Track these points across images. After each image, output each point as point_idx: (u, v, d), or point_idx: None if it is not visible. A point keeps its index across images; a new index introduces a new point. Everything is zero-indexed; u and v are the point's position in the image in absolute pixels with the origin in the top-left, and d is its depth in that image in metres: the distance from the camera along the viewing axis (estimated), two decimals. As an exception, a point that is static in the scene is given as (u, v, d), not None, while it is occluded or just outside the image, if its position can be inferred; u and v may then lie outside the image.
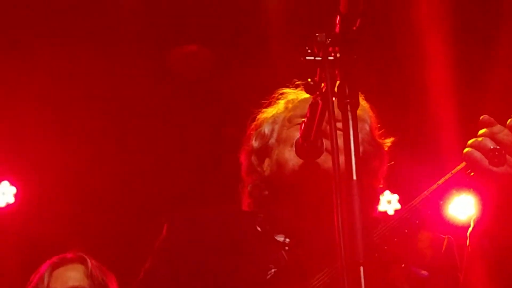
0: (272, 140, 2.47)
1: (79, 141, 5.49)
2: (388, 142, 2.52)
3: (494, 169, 2.11)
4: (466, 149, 2.17)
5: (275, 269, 2.27)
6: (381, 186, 2.51)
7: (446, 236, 2.38)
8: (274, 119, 2.51)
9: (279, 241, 2.34)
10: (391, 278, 2.17)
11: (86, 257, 3.58)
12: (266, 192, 2.43)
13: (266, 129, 2.50)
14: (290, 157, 2.33)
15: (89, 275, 3.51)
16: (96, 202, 5.57)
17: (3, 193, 5.56)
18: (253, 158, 2.49)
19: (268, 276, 2.26)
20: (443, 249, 2.34)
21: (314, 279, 2.15)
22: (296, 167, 2.30)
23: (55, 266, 3.53)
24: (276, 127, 2.48)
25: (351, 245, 1.56)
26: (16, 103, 5.32)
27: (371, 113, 2.50)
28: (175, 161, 5.59)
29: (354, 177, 1.61)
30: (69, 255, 3.60)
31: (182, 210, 2.52)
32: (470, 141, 2.16)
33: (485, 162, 2.11)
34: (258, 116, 2.57)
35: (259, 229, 2.39)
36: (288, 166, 2.33)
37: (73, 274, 3.50)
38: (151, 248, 2.44)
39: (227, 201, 2.70)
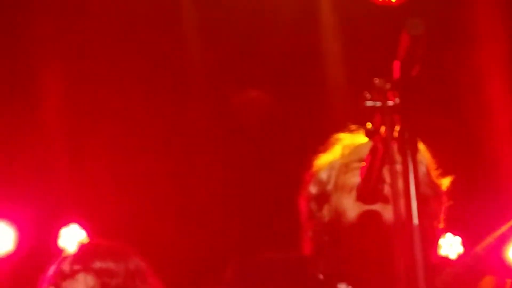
0: (330, 187, 2.48)
1: (144, 185, 5.54)
2: (446, 182, 2.50)
3: None
4: None
5: None
6: (442, 227, 2.49)
7: (509, 280, 2.34)
8: (331, 165, 2.52)
9: None
10: None
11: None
12: (327, 238, 2.44)
13: (324, 175, 2.51)
14: (349, 205, 2.34)
15: None
16: (168, 244, 5.58)
17: (72, 238, 5.40)
18: (312, 204, 2.50)
19: None
20: None
21: None
22: (355, 216, 2.31)
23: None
24: (333, 173, 2.49)
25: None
26: (88, 147, 5.41)
27: (427, 154, 2.49)
28: (235, 205, 5.61)
29: (415, 222, 1.61)
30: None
31: (245, 255, 2.54)
32: None
33: None
34: (315, 162, 2.59)
35: (321, 277, 2.40)
36: (347, 215, 2.34)
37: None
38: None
39: (288, 246, 2.70)
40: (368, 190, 2.11)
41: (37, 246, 5.41)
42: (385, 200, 2.16)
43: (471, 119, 4.99)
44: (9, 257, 5.44)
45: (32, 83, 5.40)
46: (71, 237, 5.44)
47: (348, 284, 2.35)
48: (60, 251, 5.23)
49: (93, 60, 5.37)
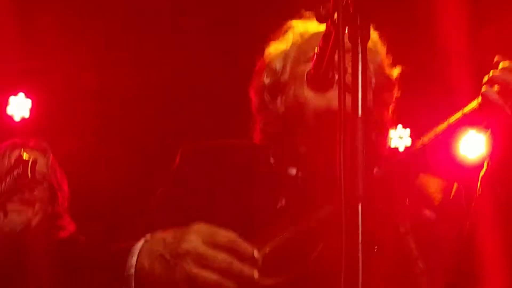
0: (285, 76, 2.43)
1: (99, 56, 5.46)
2: (397, 71, 2.49)
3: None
4: (484, 89, 2.10)
5: (286, 200, 2.28)
6: (392, 116, 2.50)
7: (456, 183, 2.36)
8: (285, 54, 2.46)
9: (291, 175, 2.35)
10: (393, 213, 2.17)
11: (49, 149, 3.55)
12: (280, 129, 2.42)
13: (277, 65, 2.46)
14: (310, 95, 2.31)
15: (50, 167, 3.49)
16: (112, 120, 5.56)
17: (19, 106, 5.54)
18: (265, 95, 2.46)
19: (278, 206, 2.27)
20: (452, 195, 2.32)
21: (320, 211, 2.15)
22: (317, 108, 2.29)
23: (16, 147, 3.47)
24: (288, 62, 2.44)
25: (352, 181, 1.55)
26: (36, 13, 5.28)
27: (382, 45, 2.46)
28: (187, 89, 5.55)
29: (359, 114, 1.58)
30: (31, 142, 3.59)
31: (196, 141, 2.51)
32: (487, 77, 2.10)
33: (501, 101, 2.05)
34: (266, 50, 2.53)
35: (272, 161, 2.40)
36: (309, 106, 2.31)
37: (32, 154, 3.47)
38: (163, 176, 2.44)
39: (238, 135, 2.67)
40: (319, 76, 2.07)
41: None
42: (335, 86, 2.11)
43: (426, 11, 4.90)
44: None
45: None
46: (19, 106, 5.55)
47: (298, 169, 2.35)
48: (8, 117, 5.50)
49: None
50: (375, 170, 2.12)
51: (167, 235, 2.08)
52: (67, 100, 5.47)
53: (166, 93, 5.57)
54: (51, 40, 5.31)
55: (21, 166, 2.88)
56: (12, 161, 3.29)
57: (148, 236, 2.12)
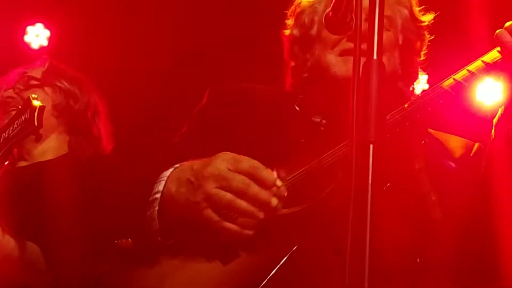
0: (313, 32, 2.51)
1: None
2: (428, 18, 2.52)
3: None
4: (498, 31, 2.14)
5: (306, 140, 2.36)
6: (422, 59, 2.55)
7: (477, 143, 2.41)
8: (313, 9, 2.54)
9: (315, 121, 2.42)
10: (407, 153, 2.22)
11: (48, 58, 3.56)
12: (307, 78, 2.50)
13: (306, 19, 2.54)
14: (332, 61, 2.40)
15: (46, 70, 3.51)
16: (131, 52, 5.55)
17: (37, 36, 5.59)
18: (295, 47, 2.55)
19: (299, 146, 2.35)
20: (473, 152, 2.38)
21: (335, 151, 2.22)
22: (338, 73, 2.38)
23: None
24: (316, 18, 2.51)
25: (364, 124, 1.58)
26: None
27: None
28: (218, 31, 5.51)
29: (375, 56, 1.61)
30: (37, 63, 3.59)
31: (224, 83, 2.56)
32: (507, 24, 2.13)
33: None
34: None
35: (297, 108, 2.48)
36: (331, 70, 2.41)
37: (34, 72, 3.53)
38: (190, 114, 2.51)
39: (271, 77, 2.73)
40: (337, 20, 2.09)
41: (4, 41, 5.47)
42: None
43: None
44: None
45: None
46: (35, 36, 5.61)
47: (322, 118, 2.42)
48: (26, 46, 5.54)
49: None
50: (389, 115, 2.16)
51: (195, 162, 2.16)
52: (88, 31, 5.46)
53: (198, 34, 5.54)
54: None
55: (28, 111, 2.89)
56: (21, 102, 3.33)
57: (177, 164, 2.20)
